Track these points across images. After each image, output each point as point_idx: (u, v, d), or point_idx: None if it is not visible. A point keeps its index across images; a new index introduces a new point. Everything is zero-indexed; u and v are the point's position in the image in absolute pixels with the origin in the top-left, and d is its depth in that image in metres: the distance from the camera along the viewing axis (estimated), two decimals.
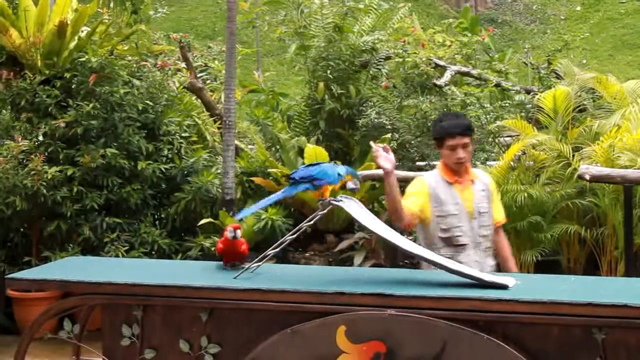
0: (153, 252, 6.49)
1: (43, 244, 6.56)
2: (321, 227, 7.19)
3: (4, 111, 7.07)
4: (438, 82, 7.59)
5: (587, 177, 5.37)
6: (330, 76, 7.74)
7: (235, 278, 3.03)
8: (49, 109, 6.53)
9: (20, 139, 6.44)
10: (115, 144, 6.57)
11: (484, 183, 4.04)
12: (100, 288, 3.03)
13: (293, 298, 2.84)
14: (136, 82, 6.83)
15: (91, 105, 6.41)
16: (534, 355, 2.70)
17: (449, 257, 3.84)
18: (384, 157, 3.59)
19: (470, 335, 2.69)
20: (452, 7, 21.48)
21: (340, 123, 7.86)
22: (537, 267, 6.08)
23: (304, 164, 6.79)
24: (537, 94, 7.13)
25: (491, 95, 8.03)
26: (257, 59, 15.49)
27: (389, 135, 7.25)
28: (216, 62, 10.40)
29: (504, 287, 2.84)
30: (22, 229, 6.73)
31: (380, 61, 8.08)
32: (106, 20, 7.37)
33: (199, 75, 8.70)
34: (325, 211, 3.06)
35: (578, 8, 21.55)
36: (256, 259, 3.14)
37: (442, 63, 7.90)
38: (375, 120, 7.41)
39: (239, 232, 3.26)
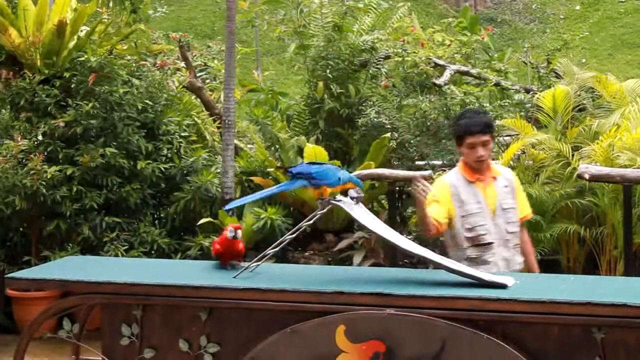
0: (152, 252, 6.49)
1: (42, 243, 6.56)
2: (321, 226, 7.19)
3: (3, 111, 7.07)
4: (437, 82, 7.59)
5: (587, 176, 5.37)
6: (330, 75, 7.74)
7: (234, 277, 3.03)
8: (49, 109, 6.52)
9: (19, 139, 6.44)
10: (114, 144, 6.57)
11: (506, 179, 4.02)
12: (99, 287, 3.03)
13: (292, 297, 2.84)
14: (135, 81, 6.83)
15: (90, 104, 6.40)
16: (534, 354, 2.70)
17: (475, 257, 3.88)
18: (422, 188, 3.65)
19: (469, 334, 2.69)
20: (451, 6, 21.48)
21: (339, 122, 7.86)
22: None
23: (302, 163, 6.79)
24: (536, 93, 7.13)
25: (490, 94, 8.03)
26: (256, 58, 15.49)
27: (388, 135, 7.25)
28: (215, 61, 10.39)
29: (503, 286, 2.84)
30: (21, 229, 6.73)
31: (380, 60, 8.08)
32: (105, 20, 7.36)
33: (198, 74, 8.69)
34: (324, 211, 3.06)
35: (577, 7, 21.55)
36: (255, 259, 3.14)
37: (441, 62, 7.90)
38: (375, 119, 7.41)
39: (239, 232, 3.25)
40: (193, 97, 7.94)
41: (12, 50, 6.73)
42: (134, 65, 7.03)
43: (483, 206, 3.88)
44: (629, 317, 2.60)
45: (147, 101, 6.76)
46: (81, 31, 6.94)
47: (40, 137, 6.59)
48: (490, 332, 2.70)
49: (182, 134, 7.08)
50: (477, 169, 3.95)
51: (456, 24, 10.22)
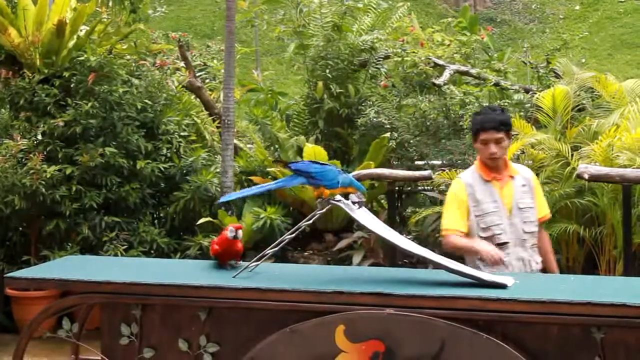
0: (152, 251, 6.49)
1: (42, 243, 6.56)
2: (320, 226, 7.19)
3: (2, 110, 7.06)
4: (437, 82, 7.59)
5: (586, 176, 5.36)
6: (329, 75, 7.74)
7: (234, 277, 3.03)
8: (48, 108, 6.52)
9: (19, 138, 6.44)
10: (114, 143, 6.57)
11: (525, 178, 3.98)
12: (99, 287, 3.03)
13: (292, 297, 2.84)
14: (135, 81, 6.83)
15: (90, 104, 6.40)
16: (533, 354, 2.70)
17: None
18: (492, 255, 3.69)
19: (469, 334, 2.69)
20: (451, 6, 21.49)
21: (339, 122, 7.86)
22: None
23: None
24: (536, 93, 7.13)
25: (490, 94, 8.02)
26: (256, 58, 15.49)
27: (387, 135, 7.25)
28: (215, 61, 10.40)
29: (503, 286, 2.84)
30: (20, 228, 6.73)
31: (379, 60, 8.08)
32: (105, 19, 7.36)
33: (197, 74, 8.69)
34: (324, 210, 3.06)
35: (577, 7, 21.56)
36: (255, 258, 3.14)
37: (441, 62, 7.90)
38: (374, 119, 7.41)
39: (240, 232, 3.24)
40: (192, 96, 7.94)
41: (11, 49, 6.73)
42: (133, 64, 7.03)
43: (499, 205, 3.86)
44: (628, 317, 2.60)
45: (146, 101, 6.76)
46: (81, 31, 6.94)
47: (39, 137, 6.59)
48: (490, 332, 2.70)
49: (182, 134, 7.08)
50: (493, 168, 3.92)
51: (456, 23, 10.22)
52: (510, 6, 22.08)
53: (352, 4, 8.06)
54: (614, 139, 5.94)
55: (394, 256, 6.11)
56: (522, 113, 7.21)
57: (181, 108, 7.39)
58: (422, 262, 4.95)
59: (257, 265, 3.12)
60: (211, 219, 6.70)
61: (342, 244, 6.98)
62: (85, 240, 6.39)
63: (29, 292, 6.28)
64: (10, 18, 6.72)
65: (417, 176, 6.49)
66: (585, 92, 7.00)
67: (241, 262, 3.28)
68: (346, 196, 3.05)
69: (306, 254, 7.23)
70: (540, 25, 21.12)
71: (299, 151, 7.60)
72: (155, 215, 7.02)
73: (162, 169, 6.70)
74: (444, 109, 7.34)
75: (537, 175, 6.37)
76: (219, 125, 7.42)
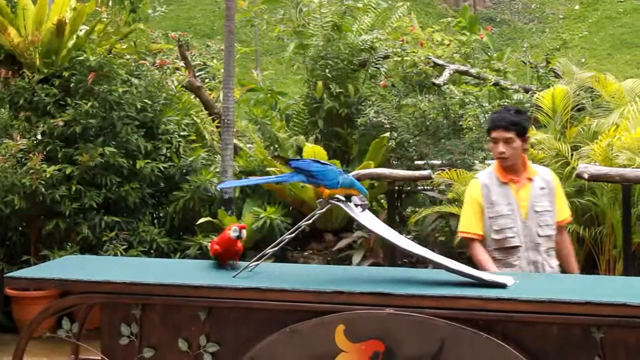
0: (152, 251, 6.49)
1: (42, 242, 6.56)
2: (320, 226, 7.19)
3: (2, 110, 7.06)
4: (436, 81, 7.59)
5: (586, 176, 5.37)
6: (329, 75, 7.74)
7: (233, 277, 3.03)
8: (48, 108, 6.52)
9: (18, 138, 6.44)
10: (113, 143, 6.57)
11: (544, 180, 3.94)
12: (98, 287, 3.03)
13: (292, 297, 2.84)
14: (135, 80, 6.83)
15: (90, 104, 6.40)
16: (533, 354, 2.70)
17: (500, 259, 3.87)
18: None
19: (469, 334, 2.69)
20: (450, 6, 21.49)
21: (338, 122, 7.86)
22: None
23: None
24: (535, 93, 7.13)
25: (490, 94, 8.03)
26: (255, 57, 15.48)
27: (387, 134, 7.26)
28: (215, 60, 10.39)
29: (503, 286, 2.84)
30: (20, 228, 6.72)
31: (379, 60, 8.09)
32: (105, 19, 7.36)
33: (197, 74, 8.69)
34: (323, 210, 3.05)
35: (576, 7, 21.56)
36: (255, 258, 3.14)
37: (440, 62, 7.91)
38: (374, 119, 7.41)
39: (244, 232, 3.22)
40: (192, 96, 7.94)
41: (11, 49, 6.72)
42: (133, 64, 7.03)
43: (514, 208, 3.84)
44: (628, 316, 2.60)
45: (146, 100, 6.76)
46: (80, 30, 6.93)
47: (39, 137, 6.59)
48: (489, 332, 2.70)
49: (181, 134, 7.08)
50: (510, 169, 3.89)
51: (455, 23, 10.22)
52: (510, 6, 22.08)
53: (351, 4, 8.06)
54: (613, 138, 5.95)
55: (393, 256, 6.11)
56: None
57: (181, 108, 7.39)
58: (422, 262, 4.95)
59: (257, 265, 3.12)
60: (211, 219, 6.70)
61: (342, 243, 6.98)
62: (85, 240, 6.39)
63: (28, 292, 6.28)
64: (10, 18, 6.72)
65: (416, 176, 6.49)
66: (584, 92, 7.00)
67: (241, 262, 3.27)
68: (348, 197, 3.03)
69: (306, 253, 7.23)
70: (540, 25, 21.12)
71: (299, 151, 7.60)
72: (155, 215, 7.02)
73: (162, 168, 6.70)
74: (444, 108, 7.34)
75: None
76: (218, 125, 7.42)
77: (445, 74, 7.72)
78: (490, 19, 20.71)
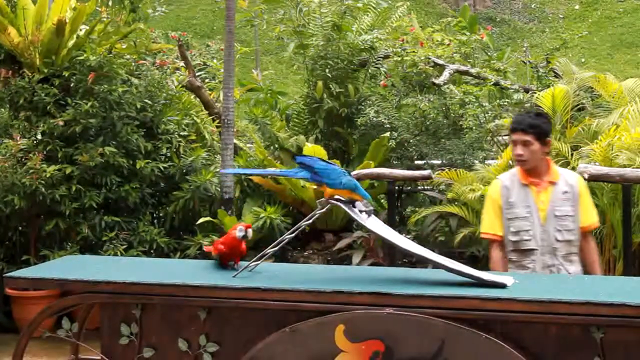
0: (151, 251, 6.50)
1: (41, 242, 6.57)
2: (320, 226, 7.19)
3: (2, 110, 7.07)
4: (437, 81, 7.59)
5: (586, 176, 5.35)
6: (329, 75, 7.74)
7: (233, 277, 3.03)
8: (48, 108, 6.52)
9: (18, 138, 6.44)
10: (113, 143, 6.57)
11: (569, 184, 3.90)
12: (98, 287, 3.03)
13: (292, 297, 2.84)
14: (135, 80, 6.83)
15: (90, 103, 6.41)
16: (533, 354, 2.70)
17: (515, 260, 3.87)
18: None
19: (468, 334, 2.69)
20: (450, 5, 21.49)
21: (338, 122, 7.86)
22: None
23: None
24: (535, 93, 7.13)
25: (490, 94, 8.03)
26: (255, 57, 15.49)
27: (387, 134, 7.25)
28: (215, 60, 10.40)
29: (502, 286, 2.84)
30: (20, 228, 6.73)
31: (379, 60, 8.08)
32: (105, 19, 7.36)
33: (197, 74, 8.69)
34: (323, 210, 3.05)
35: (577, 7, 21.56)
36: (255, 258, 3.14)
37: (440, 62, 7.90)
38: (374, 119, 7.41)
39: (250, 232, 3.21)
40: (192, 96, 7.94)
41: (11, 49, 6.73)
42: (133, 64, 7.03)
43: (532, 211, 3.82)
44: (628, 316, 2.60)
45: (146, 100, 6.76)
46: (80, 30, 6.94)
47: (39, 136, 6.59)
48: (489, 332, 2.70)
49: (182, 134, 7.08)
50: (531, 172, 3.87)
51: (455, 23, 10.20)
52: (510, 5, 22.08)
53: (351, 4, 8.06)
54: (613, 138, 5.94)
55: (393, 256, 6.11)
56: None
57: (181, 108, 7.39)
58: (422, 262, 4.95)
59: (257, 265, 3.13)
60: (211, 219, 6.70)
61: (342, 243, 6.98)
62: (84, 240, 6.40)
63: (28, 292, 6.28)
64: (10, 17, 6.72)
65: (416, 176, 6.49)
66: (584, 92, 7.00)
67: (241, 262, 3.27)
68: (352, 202, 3.00)
69: (306, 253, 7.23)
70: (540, 24, 21.13)
71: (299, 151, 7.60)
72: (154, 215, 7.02)
73: (162, 168, 6.70)
74: (444, 108, 7.34)
75: None
76: (218, 124, 7.42)
77: (445, 74, 7.72)
78: (490, 19, 20.71)
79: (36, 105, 6.56)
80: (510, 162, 6.41)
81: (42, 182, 6.21)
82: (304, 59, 8.23)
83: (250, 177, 7.35)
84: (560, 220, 3.83)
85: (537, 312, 2.67)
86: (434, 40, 8.42)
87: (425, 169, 6.76)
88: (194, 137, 7.28)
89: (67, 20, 6.70)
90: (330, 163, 3.09)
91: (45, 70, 6.65)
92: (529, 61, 8.81)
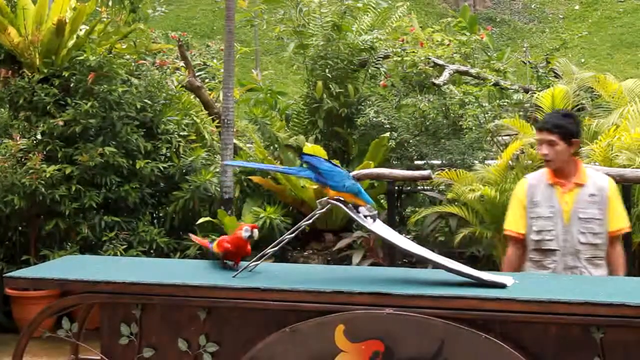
0: (151, 251, 6.50)
1: (41, 242, 6.57)
2: (320, 226, 7.19)
3: (2, 110, 7.07)
4: (436, 81, 7.59)
5: None
6: (329, 75, 7.74)
7: (233, 277, 3.03)
8: (48, 108, 6.53)
9: (18, 138, 6.45)
10: (113, 143, 6.58)
11: (597, 187, 3.85)
12: (98, 287, 3.03)
13: (291, 297, 2.84)
14: (134, 80, 6.83)
15: (89, 103, 6.41)
16: (532, 353, 2.70)
17: (536, 260, 3.86)
18: None
19: (468, 334, 2.69)
20: (450, 5, 21.49)
21: (338, 122, 7.86)
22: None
23: (302, 164, 6.79)
24: (535, 93, 7.13)
25: (490, 94, 8.03)
26: (255, 57, 15.48)
27: (387, 134, 7.25)
28: (215, 60, 10.40)
29: (502, 286, 2.84)
30: (20, 228, 6.73)
31: (379, 60, 8.09)
32: (105, 19, 7.36)
33: (197, 74, 8.69)
34: (323, 210, 3.05)
35: (576, 7, 21.56)
36: (255, 258, 3.14)
37: (440, 62, 7.90)
38: (374, 119, 7.41)
39: (256, 232, 3.19)
40: (192, 96, 7.94)
41: (11, 49, 6.73)
42: (133, 64, 7.03)
43: (556, 211, 3.80)
44: (628, 316, 2.60)
45: (146, 100, 6.76)
46: (80, 30, 6.94)
47: (39, 136, 6.59)
48: (488, 332, 2.70)
49: (181, 134, 7.09)
50: (558, 172, 3.85)
51: (455, 23, 10.21)
52: (510, 6, 22.08)
53: (351, 4, 8.06)
54: (613, 138, 5.95)
55: (393, 256, 6.11)
56: (521, 113, 7.22)
57: (181, 108, 7.39)
58: (422, 262, 4.95)
59: (257, 265, 3.13)
60: (211, 219, 6.70)
61: (342, 243, 6.98)
62: (84, 240, 6.40)
63: (28, 292, 6.29)
64: (10, 17, 6.72)
65: (416, 176, 6.49)
66: (584, 92, 7.01)
67: (241, 262, 3.27)
68: (356, 207, 2.99)
69: (306, 253, 7.23)
70: (540, 25, 21.13)
71: (299, 151, 7.60)
72: (154, 215, 7.02)
73: (162, 168, 6.70)
74: (444, 108, 7.34)
75: None
76: (218, 124, 7.42)
77: (445, 74, 7.72)
78: (490, 19, 20.71)
79: (36, 105, 6.56)
80: (510, 162, 6.43)
81: (42, 182, 6.21)
82: (303, 59, 8.23)
83: (249, 177, 7.35)
84: (585, 222, 3.79)
85: (537, 312, 2.67)
86: (434, 41, 8.43)
87: (425, 169, 6.76)
88: (193, 137, 7.29)
89: (67, 20, 6.70)
90: (336, 165, 3.06)
91: (45, 70, 6.66)
92: (528, 61, 8.81)
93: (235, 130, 7.39)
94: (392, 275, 3.23)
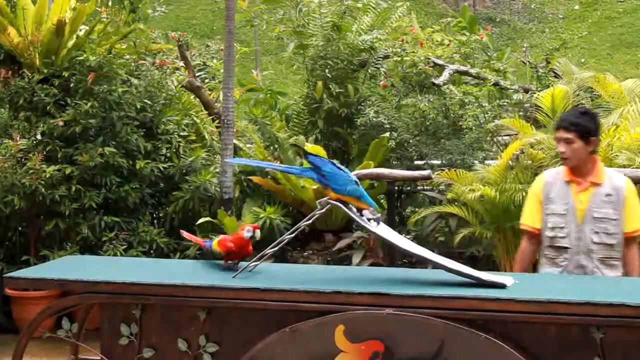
0: (151, 251, 6.49)
1: (41, 242, 6.56)
2: (319, 226, 7.19)
3: (2, 110, 7.07)
4: (436, 81, 7.59)
5: None
6: (329, 75, 7.74)
7: (233, 277, 3.03)
8: (47, 108, 6.52)
9: (18, 138, 6.44)
10: (113, 143, 6.58)
11: (614, 187, 3.81)
12: (98, 287, 3.03)
13: (291, 297, 2.84)
14: (134, 80, 6.83)
15: (89, 104, 6.41)
16: (532, 354, 2.70)
17: (551, 258, 3.86)
18: None
19: (468, 334, 2.69)
20: (450, 5, 21.48)
21: (338, 122, 7.86)
22: (536, 266, 6.08)
23: (302, 164, 6.80)
24: (535, 93, 7.13)
25: (489, 94, 8.03)
26: (255, 57, 15.48)
27: (387, 134, 7.26)
28: (214, 60, 10.40)
29: (502, 286, 2.84)
30: (20, 228, 6.73)
31: (379, 60, 8.08)
32: (104, 19, 7.36)
33: (197, 74, 8.69)
34: (323, 210, 3.05)
35: (576, 7, 21.56)
36: (255, 258, 3.14)
37: (440, 62, 7.91)
38: (374, 119, 7.41)
39: (257, 232, 3.20)
40: (192, 96, 7.94)
41: (11, 49, 6.73)
42: (132, 64, 7.03)
43: (569, 209, 3.79)
44: (628, 317, 2.60)
45: (146, 100, 6.76)
46: (80, 30, 6.94)
47: (39, 137, 6.59)
48: (488, 332, 2.70)
49: (181, 134, 7.08)
50: (575, 170, 3.83)
51: (455, 23, 10.21)
52: (510, 6, 22.08)
53: (351, 4, 8.06)
54: (613, 138, 5.94)
55: (393, 256, 6.11)
56: (521, 113, 7.22)
57: (180, 108, 7.39)
58: (422, 262, 4.95)
59: (257, 265, 3.13)
60: (211, 219, 6.70)
61: (342, 244, 6.98)
62: (84, 240, 6.40)
63: (28, 292, 6.28)
64: (10, 17, 6.72)
65: (416, 176, 6.49)
66: (584, 92, 7.01)
67: (241, 262, 3.27)
68: (359, 210, 2.98)
69: (305, 253, 7.23)
70: (540, 25, 21.12)
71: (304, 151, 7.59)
72: (154, 215, 7.02)
73: (162, 168, 6.70)
74: (444, 108, 7.34)
75: (537, 175, 6.37)
76: (218, 125, 7.42)
77: (445, 74, 7.72)
78: (490, 19, 20.70)
79: (36, 105, 6.56)
80: (510, 162, 6.43)
81: (42, 182, 6.21)
82: (303, 59, 8.23)
83: (249, 177, 7.35)
84: (599, 222, 3.77)
85: (536, 313, 2.67)
86: (434, 41, 8.43)
87: (424, 169, 6.76)
88: (193, 138, 7.28)
89: (67, 21, 6.70)
90: (340, 168, 3.03)
91: (45, 71, 6.65)
92: (528, 61, 8.81)
93: (235, 130, 7.39)
94: (391, 275, 3.23)
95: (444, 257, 3.07)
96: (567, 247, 3.80)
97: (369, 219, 2.97)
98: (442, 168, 6.70)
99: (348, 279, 3.10)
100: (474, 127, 7.04)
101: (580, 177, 3.84)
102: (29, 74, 6.59)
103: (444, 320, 2.71)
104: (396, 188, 7.08)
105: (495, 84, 7.87)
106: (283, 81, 16.22)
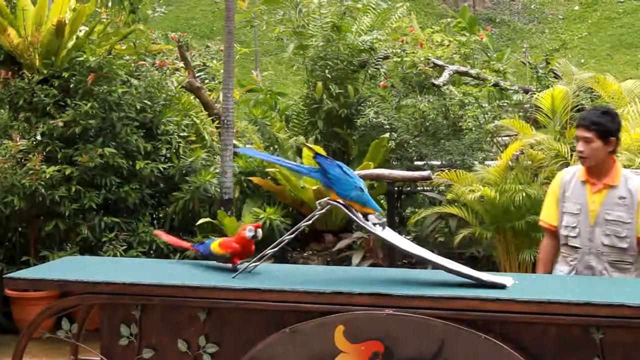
0: (151, 252, 6.49)
1: (41, 243, 6.56)
2: (319, 226, 7.20)
3: (1, 111, 7.07)
4: (436, 82, 7.59)
5: None
6: (329, 76, 7.74)
7: (233, 278, 3.03)
8: (47, 109, 6.52)
9: (18, 139, 6.44)
10: (113, 144, 6.57)
11: (629, 190, 3.76)
12: (98, 288, 3.03)
13: (291, 298, 2.84)
14: (134, 81, 6.83)
15: (89, 104, 6.40)
16: (532, 354, 2.70)
17: (565, 256, 3.85)
18: None
19: (467, 334, 2.69)
20: (450, 6, 21.48)
21: (338, 123, 7.86)
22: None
23: (302, 163, 6.80)
24: (535, 94, 7.13)
25: (489, 94, 8.04)
26: (255, 58, 15.49)
27: (387, 135, 7.26)
28: (214, 61, 10.40)
29: (502, 286, 2.84)
30: (20, 229, 6.72)
31: (379, 61, 8.09)
32: (104, 20, 7.36)
33: (197, 74, 8.69)
34: (323, 211, 3.05)
35: (576, 7, 21.56)
36: (255, 259, 3.14)
37: (440, 63, 7.91)
38: (374, 119, 7.42)
39: (259, 232, 3.19)
40: (192, 97, 7.94)
41: (10, 50, 6.73)
42: (132, 65, 7.03)
43: (582, 209, 3.78)
44: (627, 317, 2.60)
45: (145, 101, 6.76)
46: (80, 31, 6.94)
47: (39, 137, 6.59)
48: (488, 332, 2.70)
49: (181, 134, 7.08)
50: (591, 170, 3.81)
51: (455, 24, 10.22)
52: (510, 6, 22.08)
53: (351, 5, 8.06)
54: None
55: (393, 256, 6.11)
56: (521, 113, 7.22)
57: (180, 108, 7.39)
58: (422, 263, 4.95)
59: (257, 265, 3.13)
60: (210, 220, 6.70)
61: (342, 244, 6.98)
62: (84, 241, 6.39)
63: (28, 293, 6.28)
64: (10, 18, 6.72)
65: (416, 176, 6.50)
66: (584, 93, 7.01)
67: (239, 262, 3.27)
68: (365, 214, 2.97)
69: (305, 254, 7.23)
70: (540, 25, 21.13)
71: (299, 152, 7.61)
72: (154, 216, 7.01)
73: (162, 169, 6.70)
74: (443, 109, 7.34)
75: (536, 175, 6.39)
76: (218, 125, 7.42)
77: (445, 75, 7.73)
78: (489, 20, 20.71)
79: (36, 106, 6.56)
80: (510, 163, 6.43)
81: (42, 183, 6.21)
82: (303, 59, 8.23)
83: (249, 178, 7.35)
84: (611, 224, 3.74)
85: (536, 313, 2.67)
86: (434, 41, 8.43)
87: (424, 170, 6.77)
88: (193, 138, 7.28)
89: (67, 21, 6.70)
90: (348, 174, 3.00)
91: (45, 71, 6.65)
92: (528, 62, 8.81)
93: (235, 131, 7.40)
94: (391, 276, 3.24)
95: (444, 257, 3.07)
96: (577, 247, 3.80)
97: (374, 224, 2.96)
98: (442, 169, 6.70)
99: (348, 279, 3.10)
100: (473, 128, 7.05)
101: (596, 177, 3.81)
102: (29, 75, 6.59)
103: (444, 321, 2.71)
104: (396, 189, 7.09)
105: (495, 85, 7.88)
106: (283, 82, 16.23)
